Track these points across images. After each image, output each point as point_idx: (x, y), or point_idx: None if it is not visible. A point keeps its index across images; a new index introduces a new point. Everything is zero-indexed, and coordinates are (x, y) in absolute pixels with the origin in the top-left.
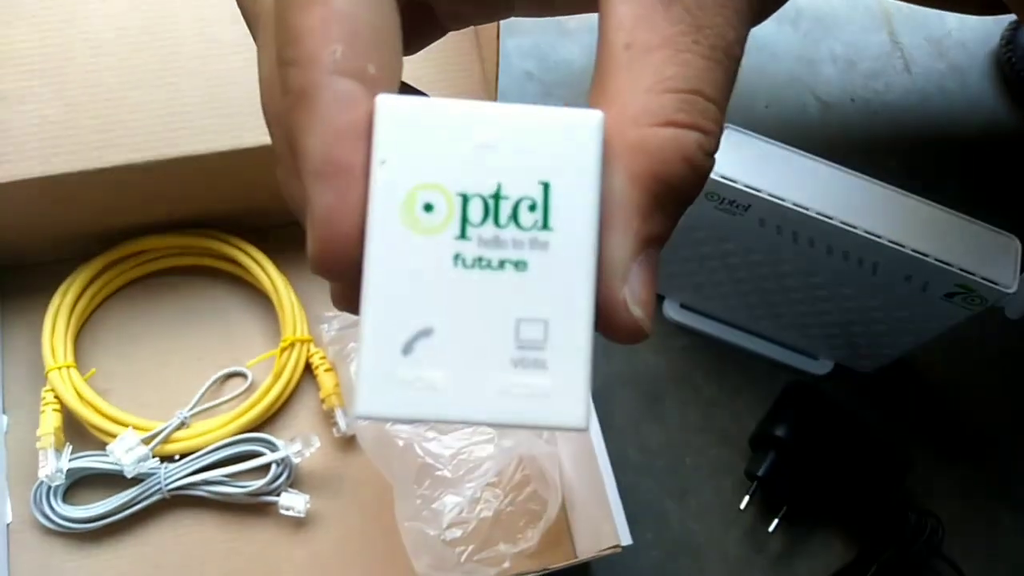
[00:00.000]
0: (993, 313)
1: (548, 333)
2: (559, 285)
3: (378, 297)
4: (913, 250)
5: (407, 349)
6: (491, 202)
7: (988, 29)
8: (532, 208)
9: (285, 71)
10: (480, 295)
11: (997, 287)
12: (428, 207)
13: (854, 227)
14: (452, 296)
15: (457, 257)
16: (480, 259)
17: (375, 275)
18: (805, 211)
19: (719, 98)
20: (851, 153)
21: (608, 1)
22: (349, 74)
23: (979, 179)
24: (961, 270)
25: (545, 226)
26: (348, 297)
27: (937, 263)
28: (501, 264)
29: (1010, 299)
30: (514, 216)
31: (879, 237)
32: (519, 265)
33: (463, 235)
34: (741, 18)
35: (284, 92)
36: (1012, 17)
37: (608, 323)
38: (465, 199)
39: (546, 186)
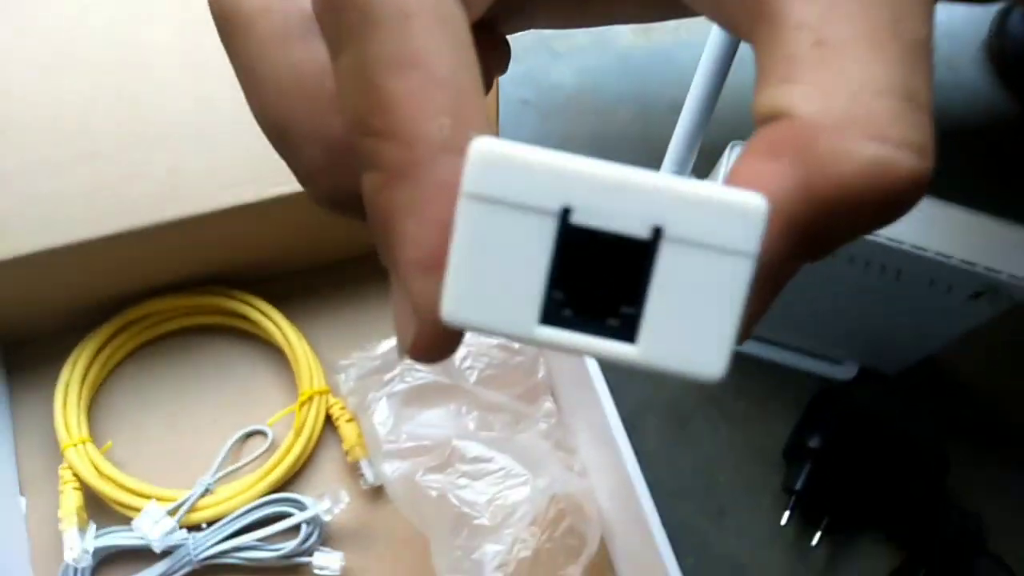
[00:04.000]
0: (1016, 307)
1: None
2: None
3: None
4: (936, 253)
5: None
6: None
7: (977, 19)
8: None
9: (374, 143)
10: None
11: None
12: None
13: (875, 235)
14: None
15: None
16: None
17: None
18: None
19: (931, 106)
20: None
21: (777, 3)
22: (458, 152)
23: (985, 170)
24: (986, 269)
25: None
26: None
27: (961, 265)
28: None
29: None
30: None
31: (901, 243)
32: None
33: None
34: (931, 9)
35: (369, 165)
36: (999, 5)
37: None
38: None
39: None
